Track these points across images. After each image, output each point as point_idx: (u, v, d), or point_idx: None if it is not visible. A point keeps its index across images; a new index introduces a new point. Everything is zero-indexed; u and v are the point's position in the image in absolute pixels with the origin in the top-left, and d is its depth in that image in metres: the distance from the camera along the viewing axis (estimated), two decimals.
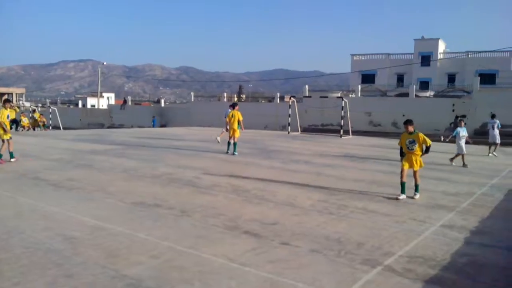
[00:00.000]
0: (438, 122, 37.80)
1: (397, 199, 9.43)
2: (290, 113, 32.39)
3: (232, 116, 17.17)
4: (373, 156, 18.04)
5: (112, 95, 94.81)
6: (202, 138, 24.53)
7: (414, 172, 9.62)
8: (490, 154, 19.79)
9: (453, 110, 37.42)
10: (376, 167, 14.50)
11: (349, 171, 13.50)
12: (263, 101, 60.02)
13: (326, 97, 40.60)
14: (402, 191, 9.53)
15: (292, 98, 35.42)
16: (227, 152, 17.10)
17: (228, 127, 17.25)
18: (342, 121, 30.11)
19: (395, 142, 27.59)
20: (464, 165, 14.97)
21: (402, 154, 9.73)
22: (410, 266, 5.77)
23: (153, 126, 50.11)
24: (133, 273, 5.28)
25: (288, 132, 32.09)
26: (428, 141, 9.35)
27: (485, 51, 58.81)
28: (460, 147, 15.32)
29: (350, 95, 52.39)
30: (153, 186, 10.18)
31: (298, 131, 34.53)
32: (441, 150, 21.82)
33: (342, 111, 30.19)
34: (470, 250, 6.45)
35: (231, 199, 9.15)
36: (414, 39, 63.36)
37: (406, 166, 9.50)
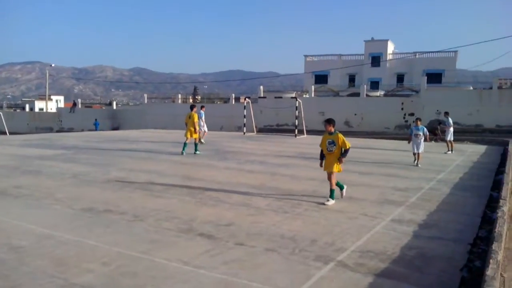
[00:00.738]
0: (388, 120, 39.16)
1: (324, 204, 8.88)
2: (245, 113, 32.50)
3: (189, 117, 17.32)
4: None
5: (61, 98, 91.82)
6: (157, 140, 24.17)
7: (330, 175, 9.00)
8: (449, 152, 20.12)
9: (402, 109, 38.77)
10: None
11: (303, 170, 13.70)
12: (218, 102, 59.86)
13: (281, 97, 41.19)
14: (331, 196, 9.07)
15: (247, 98, 35.52)
16: (182, 153, 17.05)
17: (192, 128, 17.20)
18: (297, 121, 30.53)
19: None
20: (416, 164, 15.20)
21: (322, 156, 9.22)
22: (361, 260, 5.92)
23: (96, 129, 48.57)
24: (83, 281, 5.12)
25: (244, 133, 32.16)
26: (347, 143, 8.90)
27: (431, 52, 61.46)
28: (413, 146, 15.73)
29: (304, 96, 53.20)
30: (104, 191, 9.92)
31: (254, 132, 34.68)
32: (390, 148, 22.57)
33: (297, 111, 30.61)
34: (418, 243, 6.70)
35: (186, 201, 9.06)
36: (364, 41, 65.27)
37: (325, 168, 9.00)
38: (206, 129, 23.58)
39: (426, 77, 41.08)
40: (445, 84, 52.81)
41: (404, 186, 11.28)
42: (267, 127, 42.53)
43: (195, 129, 17.34)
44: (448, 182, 12.08)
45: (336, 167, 9.01)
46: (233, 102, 48.15)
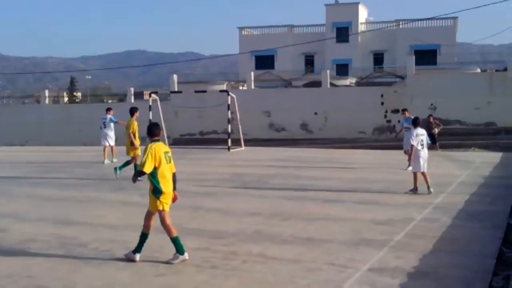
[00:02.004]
0: (362, 121, 40.07)
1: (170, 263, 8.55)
2: (151, 117, 32.16)
3: (127, 127, 18.09)
4: (275, 176, 18.62)
5: None
6: (12, 163, 23.40)
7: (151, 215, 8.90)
8: (409, 168, 20.74)
9: (382, 103, 40.00)
10: (280, 193, 15.03)
11: (240, 201, 13.78)
12: (110, 101, 59.01)
13: (205, 91, 41.10)
14: (138, 250, 8.74)
15: (153, 94, 35.22)
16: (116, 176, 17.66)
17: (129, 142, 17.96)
18: (230, 126, 30.69)
19: (305, 153, 28.99)
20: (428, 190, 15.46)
21: (141, 174, 8.84)
22: None
23: None
24: None
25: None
26: (143, 162, 8.63)
27: (421, 19, 63.43)
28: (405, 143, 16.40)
29: (241, 87, 53.62)
30: None
31: (166, 144, 34.44)
32: (367, 161, 23.23)
33: (229, 112, 30.78)
34: None
35: (58, 259, 8.83)
36: (325, 5, 67.20)
37: (166, 207, 8.78)
38: (112, 142, 23.93)
39: (414, 57, 42.64)
40: (442, 65, 55.24)
41: (387, 218, 11.62)
42: (186, 136, 42.42)
43: (133, 143, 17.78)
44: (449, 208, 12.59)
45: (152, 204, 8.78)
46: (132, 100, 47.61)
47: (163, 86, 73.42)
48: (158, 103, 34.53)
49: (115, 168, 18.01)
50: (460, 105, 36.94)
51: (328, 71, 44.66)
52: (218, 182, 17.42)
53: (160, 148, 8.86)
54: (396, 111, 39.34)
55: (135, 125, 17.97)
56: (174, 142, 38.76)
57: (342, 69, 62.28)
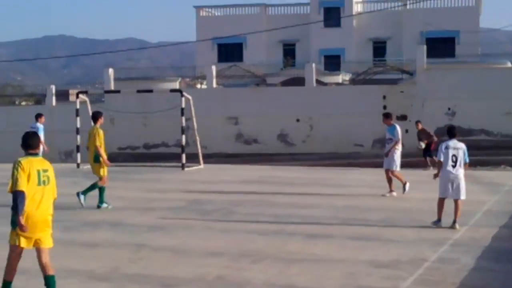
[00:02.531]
0: (359, 131, 40.20)
1: None
2: (78, 125, 31.92)
3: (91, 136, 18.20)
4: (244, 203, 18.67)
5: None
6: None
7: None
8: (392, 193, 20.88)
9: (385, 107, 40.14)
10: (250, 226, 15.09)
11: (198, 237, 13.72)
12: (24, 103, 58.47)
13: (151, 91, 40.88)
14: None
15: (81, 95, 34.99)
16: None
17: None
18: (185, 137, 30.58)
19: (284, 172, 28.86)
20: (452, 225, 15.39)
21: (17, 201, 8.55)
22: None
23: None
24: None
25: (78, 165, 31.57)
26: (12, 183, 8.49)
27: None
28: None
29: (199, 86, 53.46)
30: None
31: (45, 160, 34.07)
32: (364, 183, 23.32)
33: (183, 118, 30.68)
34: None
35: None
36: None
37: (22, 242, 8.58)
38: None
39: (425, 46, 42.96)
40: (461, 57, 55.55)
41: (390, 258, 11.63)
42: (126, 151, 42.15)
43: (99, 159, 18.11)
44: (472, 245, 12.66)
45: (10, 235, 8.67)
46: (54, 102, 47.23)
47: (95, 83, 72.82)
48: (89, 106, 34.29)
49: (78, 194, 17.97)
50: (486, 110, 37.27)
51: (313, 64, 44.96)
52: (169, 211, 17.34)
53: (33, 164, 8.69)
54: (403, 117, 39.41)
55: (101, 134, 18.07)
56: (110, 159, 38.56)
57: (332, 62, 62.44)
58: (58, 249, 12.50)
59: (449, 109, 38.44)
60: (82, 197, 17.88)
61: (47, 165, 8.90)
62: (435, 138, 29.42)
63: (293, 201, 18.77)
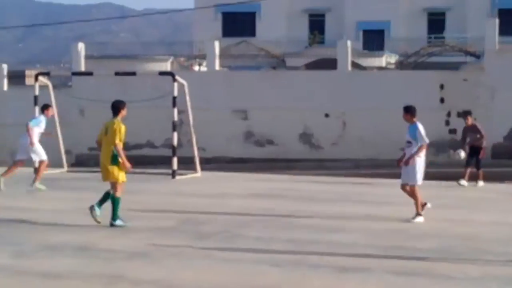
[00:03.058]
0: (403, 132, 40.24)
1: None
2: (37, 114, 32.03)
3: (106, 131, 18.98)
4: (253, 224, 18.70)
5: None
6: None
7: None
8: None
9: (442, 100, 40.21)
10: (261, 256, 15.06)
11: (193, 267, 13.74)
12: None
13: (134, 73, 40.96)
14: None
15: (42, 77, 35.12)
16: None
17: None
18: (177, 135, 30.62)
19: (307, 184, 28.75)
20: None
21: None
22: None
23: None
24: None
25: (35, 170, 31.70)
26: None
27: None
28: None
29: (197, 67, 53.48)
30: None
31: (64, 167, 34.20)
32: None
33: (176, 111, 30.70)
34: None
35: None
36: None
37: None
38: (44, 156, 25.93)
39: (497, 20, 42.87)
40: None
41: None
42: (99, 152, 42.27)
43: (117, 160, 18.78)
44: None
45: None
46: (5, 86, 47.41)
47: (59, 62, 73.16)
48: (51, 91, 34.47)
49: (93, 207, 18.25)
50: None
51: (349, 42, 44.87)
52: (155, 233, 17.40)
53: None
54: (466, 113, 39.48)
55: (123, 130, 18.73)
56: (78, 161, 38.74)
57: (373, 39, 62.66)
58: (7, 282, 12.61)
59: None
60: (97, 210, 18.20)
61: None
62: (484, 143, 28.99)
63: (318, 223, 18.84)
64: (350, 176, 32.03)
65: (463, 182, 27.29)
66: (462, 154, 28.05)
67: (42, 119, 25.58)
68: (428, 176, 26.95)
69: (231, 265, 14.09)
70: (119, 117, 18.89)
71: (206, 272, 13.41)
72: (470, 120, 28.93)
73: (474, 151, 28.54)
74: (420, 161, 19.76)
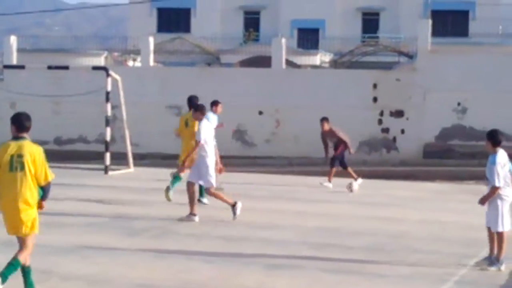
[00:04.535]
0: (341, 129, 40.29)
1: None
2: (209, 115, 31.71)
3: (186, 124, 21.01)
4: (186, 223, 18.63)
5: None
6: None
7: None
8: None
9: (375, 100, 40.41)
10: (190, 251, 15.09)
11: (123, 264, 13.64)
12: None
13: (67, 67, 40.65)
14: None
15: None
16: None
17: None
18: (110, 130, 30.41)
19: (241, 179, 28.63)
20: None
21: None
22: None
23: None
24: None
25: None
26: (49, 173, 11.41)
27: None
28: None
29: (131, 63, 53.19)
30: None
31: (28, 143, 33.87)
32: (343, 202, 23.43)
33: (109, 105, 30.51)
34: None
35: None
36: None
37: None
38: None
39: (430, 21, 43.23)
40: (477, 37, 55.85)
41: None
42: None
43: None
44: (484, 283, 12.85)
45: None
46: None
47: None
48: None
49: (168, 188, 20.91)
50: (506, 106, 37.55)
51: (283, 39, 44.88)
52: (86, 228, 17.29)
53: (7, 148, 11.06)
54: (398, 113, 39.78)
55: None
56: None
57: (308, 38, 62.69)
58: None
59: (458, 104, 38.71)
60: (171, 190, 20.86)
61: (24, 148, 11.18)
62: (348, 143, 27.46)
63: (250, 220, 18.79)
64: (282, 174, 32.08)
65: (327, 183, 26.40)
66: (355, 185, 26.17)
67: (211, 116, 24.76)
68: (361, 175, 27.19)
69: (162, 260, 14.06)
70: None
71: (138, 268, 13.37)
72: (326, 126, 27.42)
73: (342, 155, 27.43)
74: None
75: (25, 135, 11.39)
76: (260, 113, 41.29)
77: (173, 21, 64.87)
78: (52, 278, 12.46)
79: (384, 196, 24.06)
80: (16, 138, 11.27)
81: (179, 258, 14.29)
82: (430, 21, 42.68)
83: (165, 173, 30.63)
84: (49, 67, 37.60)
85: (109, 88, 30.57)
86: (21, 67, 40.05)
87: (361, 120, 39.32)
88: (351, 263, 14.11)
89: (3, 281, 10.87)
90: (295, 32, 63.63)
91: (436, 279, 12.82)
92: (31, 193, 11.06)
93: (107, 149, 30.04)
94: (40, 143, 38.99)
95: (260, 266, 13.63)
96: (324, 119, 26.59)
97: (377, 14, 65.01)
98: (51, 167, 11.46)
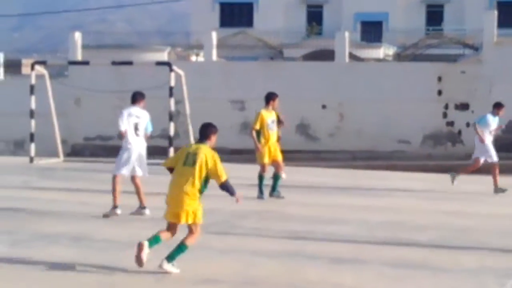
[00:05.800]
0: (405, 123, 40.08)
1: None
2: (33, 106, 31.95)
3: (270, 119, 22.05)
4: (246, 214, 18.68)
5: None
6: None
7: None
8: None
9: (440, 92, 40.08)
10: (255, 246, 15.09)
11: (189, 259, 13.69)
12: None
13: (131, 63, 40.91)
14: None
15: (38, 66, 35.01)
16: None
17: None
18: (173, 125, 30.48)
19: (303, 175, 28.55)
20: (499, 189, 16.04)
21: None
22: None
23: None
24: None
25: (31, 159, 31.65)
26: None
27: None
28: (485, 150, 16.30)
29: (194, 58, 53.28)
30: None
31: (59, 157, 34.07)
32: (415, 194, 23.27)
33: (172, 101, 30.59)
34: None
35: None
36: None
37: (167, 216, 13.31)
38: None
39: (496, 12, 42.68)
40: None
41: None
42: (95, 142, 42.06)
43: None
44: None
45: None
46: (1, 76, 47.22)
47: (56, 51, 72.93)
48: (47, 81, 34.34)
49: (273, 189, 21.69)
50: None
51: (347, 33, 44.72)
52: (151, 223, 17.36)
53: (189, 148, 13.31)
54: (464, 106, 39.43)
55: (263, 118, 21.98)
56: (74, 151, 38.64)
57: (371, 31, 62.42)
58: (2, 271, 12.58)
59: None
60: (276, 192, 21.51)
61: (199, 147, 13.28)
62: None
63: (314, 214, 18.84)
64: (346, 168, 31.95)
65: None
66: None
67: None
68: (427, 169, 27.04)
69: (227, 255, 14.10)
70: (273, 102, 22.13)
71: (203, 263, 13.39)
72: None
73: None
74: None
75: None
76: (324, 107, 41.22)
77: (236, 15, 64.91)
78: (119, 272, 12.49)
79: (450, 190, 23.86)
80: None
81: (244, 252, 14.28)
82: (495, 13, 42.18)
83: (226, 168, 30.62)
84: (113, 63, 37.85)
85: (172, 83, 30.66)
86: (86, 63, 40.37)
87: (425, 113, 39.08)
88: (415, 258, 14.00)
89: (169, 261, 12.34)
90: (358, 25, 63.37)
91: (503, 274, 12.69)
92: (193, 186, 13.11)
93: (170, 144, 30.16)
94: (104, 138, 39.80)
95: (324, 261, 13.56)
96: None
97: (442, 6, 64.43)
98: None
